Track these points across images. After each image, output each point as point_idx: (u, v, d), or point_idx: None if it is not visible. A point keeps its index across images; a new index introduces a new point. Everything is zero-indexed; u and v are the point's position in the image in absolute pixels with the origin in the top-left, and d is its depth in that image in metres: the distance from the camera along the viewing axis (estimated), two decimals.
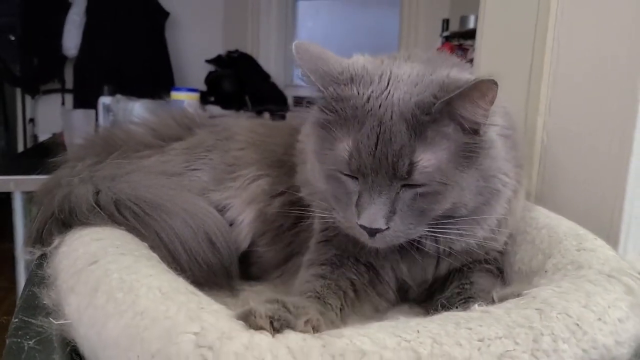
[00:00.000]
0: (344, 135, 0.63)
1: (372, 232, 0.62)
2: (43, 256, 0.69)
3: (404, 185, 0.62)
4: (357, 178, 0.63)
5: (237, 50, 3.63)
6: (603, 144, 0.91)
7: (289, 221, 0.84)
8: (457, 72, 0.67)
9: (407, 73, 0.66)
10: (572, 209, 0.94)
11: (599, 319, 0.52)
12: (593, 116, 0.94)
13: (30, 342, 0.49)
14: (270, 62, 3.73)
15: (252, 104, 3.30)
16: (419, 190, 0.62)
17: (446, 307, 0.71)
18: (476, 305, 0.53)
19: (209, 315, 0.46)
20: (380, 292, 0.75)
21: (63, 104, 3.57)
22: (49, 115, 3.54)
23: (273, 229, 0.85)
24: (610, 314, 0.53)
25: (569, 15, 1.00)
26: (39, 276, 0.62)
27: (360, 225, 0.62)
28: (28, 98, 3.58)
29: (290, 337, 0.45)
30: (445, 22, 2.82)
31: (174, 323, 0.45)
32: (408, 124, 0.61)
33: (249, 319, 0.47)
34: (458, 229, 0.66)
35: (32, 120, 3.61)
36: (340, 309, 0.67)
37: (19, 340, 0.49)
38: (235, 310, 0.49)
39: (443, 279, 0.76)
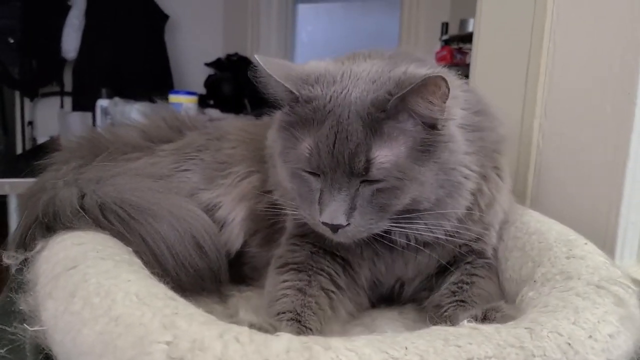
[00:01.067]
0: (305, 135, 0.65)
1: (334, 228, 0.63)
2: (25, 261, 0.67)
3: (362, 182, 0.63)
4: (318, 175, 0.64)
5: (236, 54, 3.63)
6: (599, 147, 0.90)
7: (279, 220, 0.83)
8: (415, 68, 0.67)
9: (366, 71, 0.67)
10: (567, 213, 0.92)
11: (590, 337, 0.50)
12: (589, 119, 0.93)
13: (1, 351, 0.48)
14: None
15: (252, 107, 3.29)
16: (378, 186, 0.63)
17: (436, 307, 0.71)
18: (465, 321, 0.52)
19: (182, 321, 0.44)
20: (354, 297, 0.74)
21: (62, 106, 3.56)
22: (47, 118, 3.54)
23: (264, 228, 0.84)
24: (600, 330, 0.52)
25: (565, 18, 1.00)
26: (17, 281, 0.61)
27: (323, 222, 0.63)
28: (27, 101, 3.57)
29: (272, 348, 0.43)
30: (445, 26, 2.81)
31: (147, 331, 0.43)
32: (364, 122, 0.62)
33: None
34: (425, 223, 0.67)
35: (30, 123, 3.60)
36: (319, 330, 0.66)
37: None
38: (221, 318, 0.47)
39: (441, 272, 0.75)
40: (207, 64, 3.61)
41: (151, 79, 3.44)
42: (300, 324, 0.64)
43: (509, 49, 1.14)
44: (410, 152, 0.62)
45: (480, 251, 0.77)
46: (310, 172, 0.65)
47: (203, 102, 3.18)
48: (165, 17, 3.65)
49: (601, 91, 0.91)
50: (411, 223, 0.66)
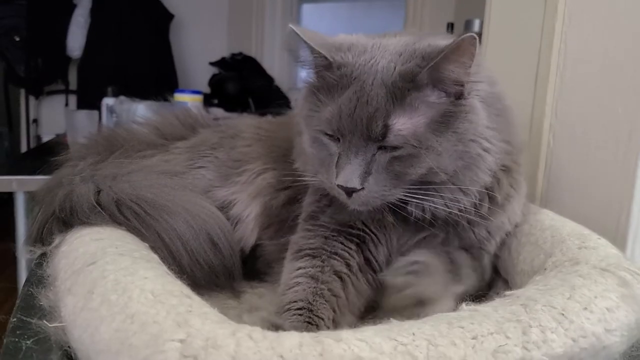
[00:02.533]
0: (330, 100, 0.67)
1: (349, 192, 0.64)
2: (43, 255, 0.68)
3: (379, 148, 0.64)
4: (338, 140, 0.66)
5: (241, 53, 3.62)
6: (610, 146, 0.91)
7: (293, 214, 0.83)
8: (440, 40, 0.69)
9: (393, 44, 0.69)
10: (578, 212, 0.93)
11: (585, 309, 0.53)
12: (600, 118, 0.93)
13: (28, 342, 0.48)
14: (274, 65, 3.72)
15: (256, 107, 3.29)
16: (394, 153, 0.64)
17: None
18: (464, 305, 0.54)
19: (196, 319, 0.45)
20: (369, 279, 0.74)
21: (67, 104, 3.56)
22: (52, 116, 3.54)
23: (277, 222, 0.84)
24: (597, 304, 0.54)
25: (577, 18, 1.00)
26: (37, 276, 0.62)
27: (338, 185, 0.64)
28: (32, 99, 3.57)
29: (284, 344, 0.43)
30: (450, 26, 2.81)
31: (161, 329, 0.44)
32: (387, 90, 0.64)
33: None
34: (441, 195, 0.67)
35: (35, 120, 3.61)
36: (333, 318, 0.66)
37: (17, 339, 0.48)
38: (235, 313, 0.48)
39: None
40: (212, 63, 3.60)
41: (156, 77, 3.45)
42: (312, 313, 0.65)
43: (519, 48, 1.14)
44: (430, 122, 0.63)
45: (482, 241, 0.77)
46: (330, 137, 0.67)
47: (207, 101, 3.18)
48: (170, 16, 3.65)
49: (613, 91, 0.91)
50: (427, 195, 0.66)
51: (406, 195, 0.66)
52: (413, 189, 0.66)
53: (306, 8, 3.87)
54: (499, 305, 0.54)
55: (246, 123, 0.96)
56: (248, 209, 0.84)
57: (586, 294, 0.55)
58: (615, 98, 0.90)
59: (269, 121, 0.98)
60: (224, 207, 0.83)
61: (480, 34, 1.36)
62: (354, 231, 0.74)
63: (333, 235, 0.74)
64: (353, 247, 0.73)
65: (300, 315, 0.64)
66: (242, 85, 3.45)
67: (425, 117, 0.63)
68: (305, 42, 0.68)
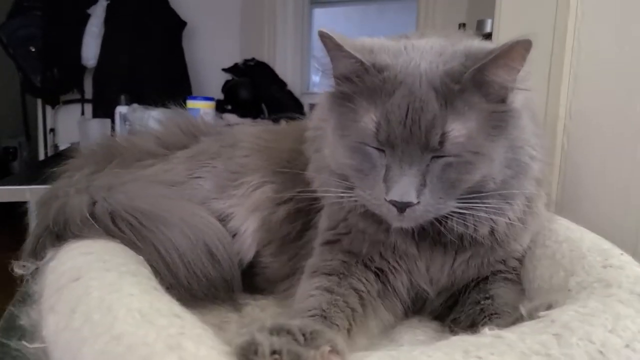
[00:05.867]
0: (370, 106, 0.61)
1: (403, 207, 0.59)
2: (35, 271, 0.66)
3: (433, 157, 0.59)
4: (383, 151, 0.60)
5: (253, 59, 3.63)
6: (628, 149, 0.86)
7: (295, 230, 0.80)
8: (479, 43, 0.66)
9: (429, 44, 0.65)
10: (595, 219, 0.88)
11: (627, 346, 0.46)
12: (616, 119, 0.89)
13: None
14: (286, 70, 3.71)
15: (269, 112, 3.28)
16: (450, 160, 0.59)
17: (471, 327, 0.65)
18: (487, 329, 0.48)
19: (189, 342, 0.42)
20: (388, 305, 0.71)
21: (82, 113, 3.60)
22: (68, 125, 3.58)
23: (278, 239, 0.81)
24: None
25: (590, 15, 0.96)
26: (22, 294, 0.60)
27: (390, 201, 0.59)
28: (48, 108, 3.62)
29: None
30: (462, 27, 2.77)
31: (151, 351, 0.41)
32: (438, 93, 0.59)
33: (250, 356, 0.43)
34: (487, 206, 0.62)
35: (52, 130, 3.65)
36: (348, 330, 0.62)
37: None
38: (236, 327, 0.45)
39: (460, 291, 0.72)
40: (225, 70, 3.61)
41: (169, 85, 3.46)
42: (326, 320, 0.60)
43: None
44: (481, 126, 0.59)
45: (507, 270, 0.73)
46: (374, 147, 0.61)
47: (221, 108, 3.18)
48: (183, 24, 3.67)
49: (629, 90, 0.87)
50: (475, 205, 0.62)
51: (458, 207, 0.62)
52: (461, 199, 0.62)
53: (317, 12, 3.86)
54: (528, 332, 0.48)
55: (245, 132, 0.93)
56: (246, 223, 0.82)
57: (630, 328, 0.48)
58: (632, 97, 0.86)
59: (269, 130, 0.95)
60: (221, 220, 0.81)
61: (491, 34, 1.33)
62: (371, 264, 0.70)
63: (351, 261, 0.70)
64: (371, 276, 0.70)
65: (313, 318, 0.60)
66: (255, 91, 3.45)
67: (476, 121, 0.59)
68: (341, 47, 0.61)
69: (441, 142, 0.58)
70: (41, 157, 3.66)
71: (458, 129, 0.58)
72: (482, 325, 0.64)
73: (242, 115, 2.90)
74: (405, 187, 0.58)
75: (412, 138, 0.58)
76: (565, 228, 0.76)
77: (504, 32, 1.19)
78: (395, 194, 0.58)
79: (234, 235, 0.81)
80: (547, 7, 1.04)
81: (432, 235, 0.67)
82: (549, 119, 1.04)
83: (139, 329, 0.44)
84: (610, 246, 0.69)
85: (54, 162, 0.91)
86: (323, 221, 0.75)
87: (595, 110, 0.95)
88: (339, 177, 0.67)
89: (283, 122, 1.08)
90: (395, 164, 0.59)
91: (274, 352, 0.44)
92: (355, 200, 0.65)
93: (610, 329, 0.47)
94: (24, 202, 1.82)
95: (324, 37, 0.62)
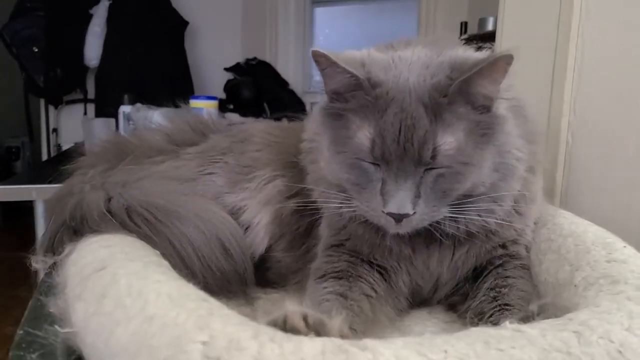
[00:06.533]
0: (363, 122, 0.63)
1: (400, 218, 0.62)
2: (54, 265, 0.68)
3: (426, 169, 0.62)
4: (379, 165, 0.62)
5: (255, 58, 3.64)
6: (632, 144, 0.88)
7: (304, 224, 0.82)
8: (463, 52, 0.67)
9: (415, 56, 0.66)
10: (599, 213, 0.90)
11: None
12: (620, 115, 0.90)
13: (33, 355, 0.48)
14: (288, 69, 3.73)
15: (271, 111, 3.29)
16: (441, 171, 0.61)
17: (479, 315, 0.68)
18: (507, 322, 0.49)
19: (218, 322, 0.44)
20: (395, 303, 0.73)
21: (85, 113, 3.61)
22: (72, 125, 3.59)
23: (290, 232, 0.83)
24: None
25: (594, 12, 0.97)
26: (46, 285, 0.61)
27: (388, 213, 0.61)
28: (51, 108, 3.63)
29: (306, 350, 0.41)
30: (464, 25, 2.78)
31: (183, 330, 0.43)
32: (427, 108, 0.61)
33: (279, 324, 0.46)
34: (477, 208, 0.66)
35: (55, 130, 3.67)
36: (363, 332, 0.64)
37: (22, 353, 0.48)
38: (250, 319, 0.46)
39: (473, 279, 0.74)
40: (227, 69, 3.62)
41: (171, 84, 3.47)
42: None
43: (534, 45, 1.11)
44: (468, 136, 0.62)
45: (513, 254, 0.75)
46: (370, 162, 0.63)
47: (223, 107, 3.19)
48: (185, 24, 3.68)
49: (633, 86, 0.88)
50: (465, 209, 0.65)
51: (450, 212, 0.65)
52: (453, 204, 0.64)
53: (318, 11, 3.87)
54: (548, 328, 0.48)
55: (256, 128, 0.95)
56: (258, 216, 0.83)
57: None
58: (635, 93, 0.87)
59: (279, 126, 0.97)
60: (234, 214, 0.82)
61: (494, 32, 1.34)
62: (374, 262, 0.73)
63: (356, 262, 0.73)
64: (376, 275, 0.72)
65: None
66: (257, 90, 3.46)
67: (464, 131, 0.62)
68: (336, 63, 0.63)
69: (433, 156, 0.61)
70: (44, 157, 3.68)
71: (448, 142, 0.61)
72: (490, 316, 0.67)
73: (244, 114, 2.91)
74: (401, 200, 0.61)
75: (406, 154, 0.61)
76: (570, 222, 0.77)
77: (508, 30, 1.21)
78: (393, 207, 0.61)
79: (246, 229, 0.82)
80: (551, 4, 1.05)
81: (426, 235, 0.70)
82: (553, 115, 1.05)
83: (170, 310, 0.46)
84: (614, 239, 0.70)
85: (58, 161, 0.92)
86: (324, 229, 0.78)
87: (599, 107, 0.96)
88: (337, 189, 0.70)
89: (285, 121, 1.10)
90: (390, 179, 0.62)
91: (302, 317, 0.46)
92: (354, 211, 0.68)
93: (626, 327, 0.48)
94: (28, 202, 1.84)
95: (318, 56, 0.64)
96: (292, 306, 0.48)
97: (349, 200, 0.68)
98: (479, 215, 0.66)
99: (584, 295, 0.60)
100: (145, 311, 0.46)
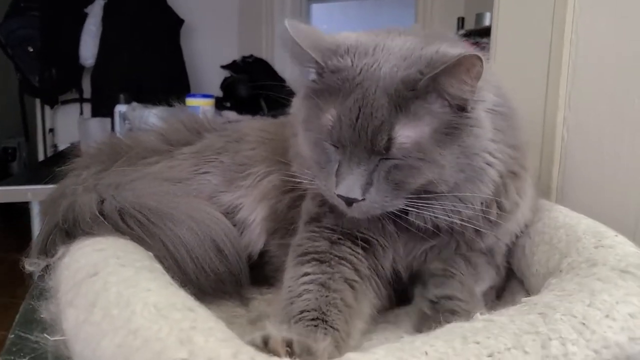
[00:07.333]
0: (330, 106, 0.64)
1: (349, 202, 0.63)
2: (47, 268, 0.67)
3: (381, 159, 0.62)
4: (338, 147, 0.64)
5: (252, 56, 3.63)
6: (627, 139, 0.88)
7: (297, 217, 0.81)
8: (447, 47, 0.65)
9: (398, 46, 0.66)
10: (594, 208, 0.90)
11: (607, 316, 0.50)
12: (616, 111, 0.90)
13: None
14: (285, 66, 3.72)
15: (268, 108, 3.29)
16: (396, 162, 0.62)
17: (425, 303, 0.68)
18: (479, 314, 0.51)
19: (200, 336, 0.44)
20: (377, 287, 0.72)
21: (81, 113, 3.60)
22: (68, 125, 3.58)
23: (284, 227, 0.82)
24: (619, 310, 0.51)
25: (588, 7, 0.97)
26: (39, 289, 0.61)
27: (338, 195, 0.63)
28: (47, 108, 3.62)
29: None
30: (461, 20, 2.77)
31: (164, 346, 0.43)
32: (390, 99, 0.61)
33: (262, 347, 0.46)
34: (441, 205, 0.66)
35: (51, 130, 3.65)
36: (346, 331, 0.63)
37: (13, 357, 0.47)
38: (245, 322, 0.46)
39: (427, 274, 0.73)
40: (223, 67, 3.61)
41: (168, 83, 3.46)
42: (327, 324, 0.61)
43: (529, 41, 1.11)
44: (434, 133, 0.61)
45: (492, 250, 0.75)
46: (330, 143, 0.65)
47: (220, 105, 3.18)
48: (180, 22, 3.67)
49: (628, 82, 0.88)
50: (428, 205, 0.65)
51: (407, 205, 0.65)
52: (413, 198, 0.64)
53: (315, 8, 3.86)
54: (516, 314, 0.51)
55: (251, 126, 0.94)
56: (254, 213, 0.83)
57: (607, 300, 0.52)
58: (630, 88, 0.87)
59: (273, 123, 0.97)
60: (230, 212, 0.82)
61: (489, 27, 1.34)
62: (359, 235, 0.72)
63: (339, 239, 0.72)
64: (360, 251, 0.71)
65: (315, 326, 0.60)
66: (254, 87, 3.45)
67: (430, 127, 0.61)
68: (298, 44, 0.65)
69: (387, 147, 0.61)
70: (40, 157, 3.66)
71: (405, 135, 0.60)
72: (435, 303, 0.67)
73: (241, 112, 2.91)
74: (351, 184, 0.62)
75: (360, 141, 0.61)
76: (564, 215, 0.78)
77: (503, 26, 1.20)
78: (342, 190, 0.62)
79: (243, 226, 0.82)
80: (545, 0, 1.05)
81: (397, 223, 0.70)
82: (548, 111, 1.04)
83: (153, 323, 0.46)
84: (606, 229, 0.71)
85: (54, 162, 0.91)
86: (307, 200, 0.78)
87: (594, 102, 0.96)
88: (307, 167, 0.71)
89: (282, 119, 1.09)
90: (345, 162, 0.63)
91: (285, 343, 0.46)
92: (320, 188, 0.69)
93: (588, 303, 0.51)
94: (24, 203, 1.83)
95: (287, 32, 0.65)
96: (274, 329, 0.48)
97: (313, 177, 0.70)
98: (446, 214, 0.66)
99: (563, 278, 0.62)
100: (131, 323, 0.46)
